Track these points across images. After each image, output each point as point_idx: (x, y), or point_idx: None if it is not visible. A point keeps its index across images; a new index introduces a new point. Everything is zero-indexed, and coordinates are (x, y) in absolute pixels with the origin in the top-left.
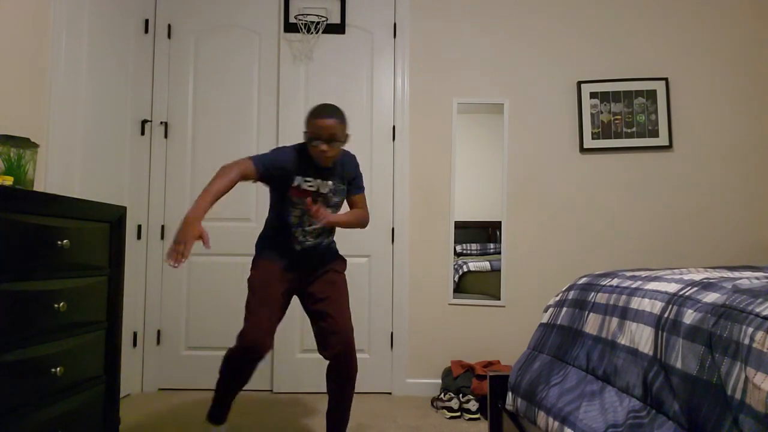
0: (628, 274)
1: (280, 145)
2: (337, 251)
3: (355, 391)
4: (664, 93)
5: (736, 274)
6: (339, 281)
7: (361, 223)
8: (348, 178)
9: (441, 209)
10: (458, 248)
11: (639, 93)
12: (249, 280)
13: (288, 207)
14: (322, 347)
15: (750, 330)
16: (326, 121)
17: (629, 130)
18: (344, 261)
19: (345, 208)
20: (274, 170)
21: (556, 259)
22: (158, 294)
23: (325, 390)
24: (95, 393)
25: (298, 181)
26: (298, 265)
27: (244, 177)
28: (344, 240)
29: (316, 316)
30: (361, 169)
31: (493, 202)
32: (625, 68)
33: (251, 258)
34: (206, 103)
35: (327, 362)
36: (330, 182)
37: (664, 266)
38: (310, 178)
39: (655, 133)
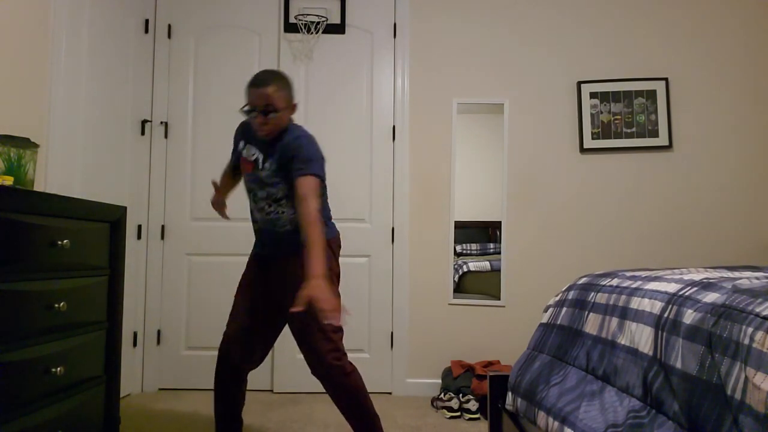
0: (628, 274)
1: None
2: (298, 245)
3: None
4: (664, 93)
5: (736, 274)
6: (299, 318)
7: (306, 224)
8: (284, 159)
9: (441, 209)
10: (458, 248)
11: (639, 93)
12: None
13: (245, 182)
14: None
15: (750, 330)
16: (260, 89)
17: (629, 130)
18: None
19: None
20: (234, 148)
21: (556, 259)
22: (158, 294)
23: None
24: (95, 393)
25: (241, 145)
26: (263, 254)
27: (230, 169)
28: (344, 240)
29: (296, 340)
30: (360, 168)
31: (493, 202)
32: (625, 68)
33: None
34: (206, 103)
35: None
36: (269, 161)
37: (664, 266)
38: (253, 147)
39: (655, 133)
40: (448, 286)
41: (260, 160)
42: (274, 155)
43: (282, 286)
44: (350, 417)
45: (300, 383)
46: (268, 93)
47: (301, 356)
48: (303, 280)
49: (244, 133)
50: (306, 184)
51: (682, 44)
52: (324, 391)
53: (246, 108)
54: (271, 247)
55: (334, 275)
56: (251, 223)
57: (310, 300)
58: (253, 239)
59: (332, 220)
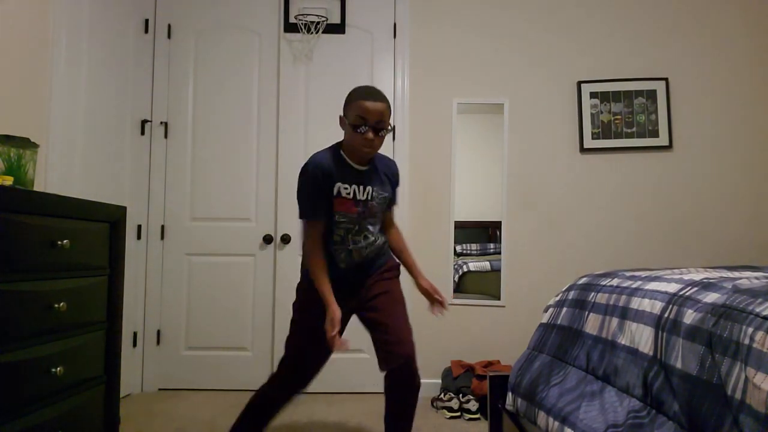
0: (628, 274)
1: (301, 171)
2: (388, 251)
3: (355, 391)
4: (664, 93)
5: (736, 274)
6: (393, 288)
7: (405, 245)
8: (390, 183)
9: (441, 209)
10: (458, 248)
11: (639, 93)
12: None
13: (332, 226)
14: (382, 361)
15: (750, 330)
16: (377, 104)
17: (629, 130)
18: (395, 262)
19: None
20: (325, 200)
21: (556, 259)
22: (158, 294)
23: (324, 390)
24: (95, 393)
25: (337, 187)
26: (345, 283)
27: (322, 235)
28: None
29: (373, 328)
30: None
31: (493, 202)
32: (625, 68)
33: (251, 258)
34: (206, 103)
35: (328, 364)
36: (369, 187)
37: (664, 266)
38: (347, 184)
39: (655, 133)
40: (448, 286)
41: (370, 193)
42: (383, 183)
43: (375, 291)
44: (407, 422)
45: None
46: (383, 110)
47: None
48: (393, 282)
49: (329, 177)
50: (394, 212)
51: (682, 44)
52: (324, 391)
53: (352, 123)
54: (366, 268)
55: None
56: (338, 264)
57: (434, 290)
58: (254, 240)
59: None
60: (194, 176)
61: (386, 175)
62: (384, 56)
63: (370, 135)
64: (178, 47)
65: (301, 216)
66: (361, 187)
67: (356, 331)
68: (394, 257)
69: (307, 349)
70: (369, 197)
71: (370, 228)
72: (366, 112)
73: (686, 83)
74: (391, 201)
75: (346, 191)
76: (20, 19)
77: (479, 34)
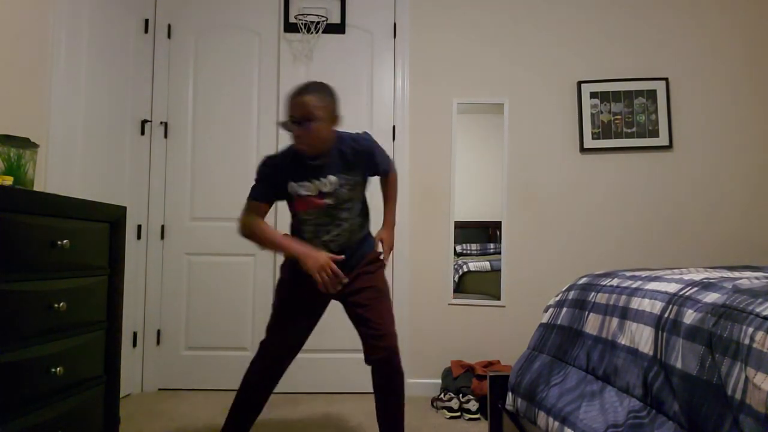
0: (628, 274)
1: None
2: (371, 242)
3: (355, 391)
4: (664, 93)
5: (736, 274)
6: (377, 282)
7: (395, 193)
8: (359, 162)
9: (441, 209)
10: (458, 248)
11: (639, 93)
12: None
13: (299, 225)
14: (366, 353)
15: (750, 330)
16: (297, 98)
17: (629, 130)
18: (377, 254)
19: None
20: (271, 188)
21: (557, 259)
22: (158, 294)
23: (324, 390)
24: (95, 393)
25: (292, 188)
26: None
27: (263, 215)
28: None
29: (358, 323)
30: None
31: (493, 202)
32: (625, 68)
33: (251, 258)
34: (206, 103)
35: (328, 363)
36: (331, 177)
37: (664, 266)
38: (305, 181)
39: (655, 133)
40: (448, 286)
41: (335, 182)
42: (349, 168)
43: (359, 285)
44: (394, 415)
45: (300, 383)
46: (305, 101)
47: (302, 356)
48: (376, 275)
49: (288, 172)
50: (395, 179)
51: (682, 44)
52: (324, 391)
53: (283, 121)
54: (347, 256)
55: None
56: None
57: (389, 244)
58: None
59: None
60: (194, 176)
61: (353, 156)
62: (384, 56)
63: (296, 131)
64: (178, 47)
65: (248, 198)
66: (323, 179)
67: (356, 331)
68: (379, 246)
69: (280, 325)
70: (336, 187)
71: (344, 214)
72: (289, 109)
73: (686, 83)
74: (376, 171)
75: (305, 189)
76: (20, 19)
77: (479, 34)
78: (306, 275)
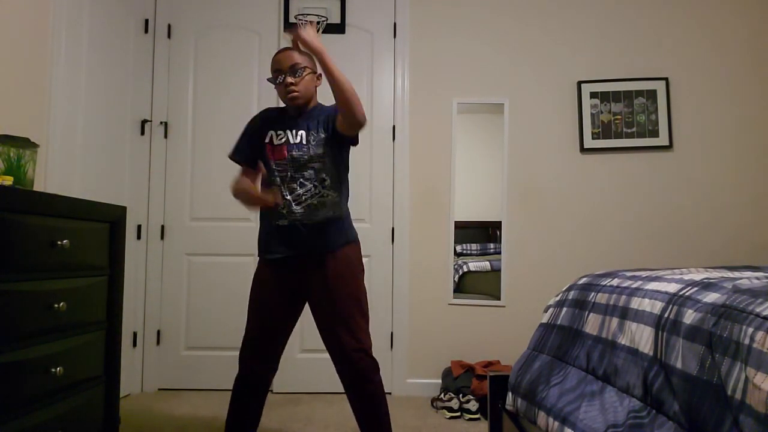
0: (629, 274)
1: None
2: (346, 232)
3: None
4: (664, 93)
5: (736, 274)
6: (341, 294)
7: (354, 98)
8: (330, 120)
9: (441, 209)
10: (458, 248)
11: (639, 93)
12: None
13: (270, 176)
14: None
15: (750, 330)
16: (284, 53)
17: (629, 130)
18: (353, 250)
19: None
20: (246, 144)
21: (556, 259)
22: (158, 294)
23: (324, 390)
24: (95, 393)
25: (270, 135)
26: (291, 255)
27: (253, 180)
28: None
29: (321, 334)
30: (360, 168)
31: (493, 202)
32: (625, 68)
33: (251, 258)
34: (206, 103)
35: (328, 363)
36: (302, 131)
37: (664, 266)
38: (280, 131)
39: (655, 133)
40: (448, 286)
41: (303, 136)
42: (319, 124)
43: (322, 286)
44: (368, 424)
45: (300, 383)
46: (293, 54)
47: (302, 356)
48: (350, 279)
49: (266, 124)
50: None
51: (682, 44)
52: (324, 391)
53: (272, 76)
54: (307, 243)
55: (362, 272)
56: (270, 222)
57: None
58: (254, 240)
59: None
60: (194, 176)
61: (325, 116)
62: (384, 56)
63: (289, 79)
64: (178, 47)
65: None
66: (294, 131)
67: None
68: (355, 243)
69: (257, 319)
70: (303, 140)
71: (309, 173)
72: (277, 63)
73: (686, 83)
74: (336, 110)
75: (279, 137)
76: (20, 19)
77: (479, 34)
78: (271, 274)
